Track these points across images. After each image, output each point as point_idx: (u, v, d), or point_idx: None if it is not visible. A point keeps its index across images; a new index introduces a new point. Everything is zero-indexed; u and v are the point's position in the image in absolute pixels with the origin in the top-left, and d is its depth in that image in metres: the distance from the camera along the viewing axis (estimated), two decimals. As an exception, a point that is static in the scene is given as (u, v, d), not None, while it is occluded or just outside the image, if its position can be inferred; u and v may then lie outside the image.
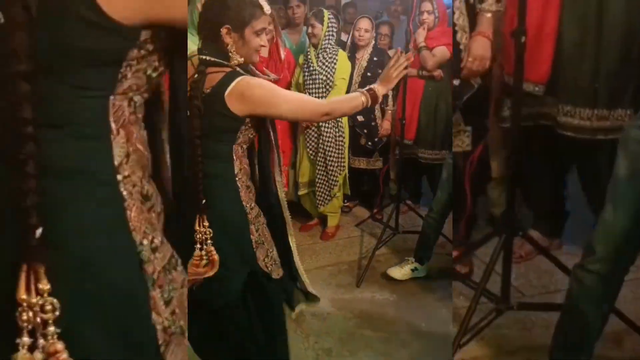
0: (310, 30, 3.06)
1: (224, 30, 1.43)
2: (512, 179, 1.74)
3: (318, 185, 3.23)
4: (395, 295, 2.56)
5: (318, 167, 3.21)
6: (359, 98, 1.53)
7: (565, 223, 2.49)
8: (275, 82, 1.55)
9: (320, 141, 3.15)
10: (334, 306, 2.51)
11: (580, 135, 1.92)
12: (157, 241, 0.83)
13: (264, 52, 1.69)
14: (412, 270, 2.67)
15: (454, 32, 2.04)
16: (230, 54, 1.45)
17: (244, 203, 1.51)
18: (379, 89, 1.56)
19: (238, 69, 1.47)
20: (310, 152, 3.24)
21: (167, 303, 0.83)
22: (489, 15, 1.97)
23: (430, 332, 2.25)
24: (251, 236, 1.53)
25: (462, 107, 2.10)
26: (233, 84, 1.41)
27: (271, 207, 1.67)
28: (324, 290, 2.64)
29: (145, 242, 0.80)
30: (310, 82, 3.09)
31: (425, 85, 3.23)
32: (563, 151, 2.20)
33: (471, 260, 2.31)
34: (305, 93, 3.12)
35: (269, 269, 1.58)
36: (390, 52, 3.38)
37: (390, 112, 3.33)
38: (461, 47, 2.03)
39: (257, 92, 1.41)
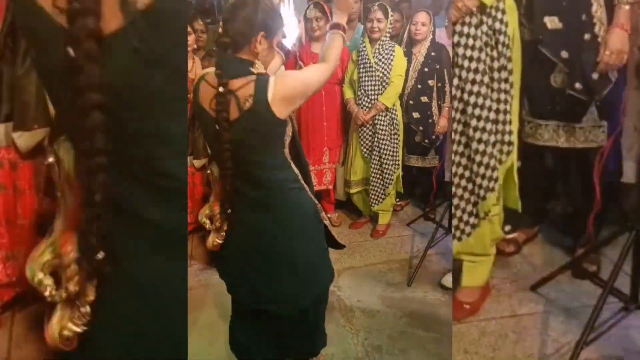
0: (374, 25, 3.01)
1: (259, 37, 1.37)
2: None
3: (372, 184, 3.21)
4: (448, 296, 2.50)
5: (373, 166, 3.19)
6: (338, 36, 1.60)
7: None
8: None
9: (375, 139, 3.13)
10: (384, 304, 2.49)
11: None
12: None
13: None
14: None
15: (592, 24, 1.98)
16: (257, 61, 1.40)
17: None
18: (339, 16, 1.64)
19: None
20: (365, 150, 3.22)
21: None
22: (627, 7, 1.92)
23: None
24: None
25: (599, 101, 2.05)
26: (270, 89, 1.35)
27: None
28: (373, 288, 2.63)
29: None
30: (366, 78, 3.07)
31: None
32: None
33: (599, 258, 2.25)
34: (360, 90, 3.11)
35: None
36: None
37: (447, 109, 3.26)
38: (599, 39, 1.98)
39: (290, 85, 1.39)
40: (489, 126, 1.89)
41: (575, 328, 1.92)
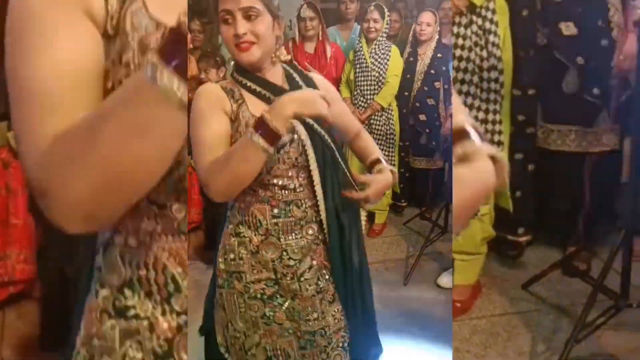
0: (371, 25, 3.01)
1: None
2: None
3: (369, 183, 3.19)
4: (444, 295, 2.51)
5: (369, 166, 3.18)
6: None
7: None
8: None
9: (371, 139, 3.13)
10: (380, 303, 2.44)
11: None
12: None
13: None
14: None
15: (609, 29, 1.96)
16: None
17: (244, 269, 1.15)
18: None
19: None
20: (361, 149, 3.22)
21: None
22: None
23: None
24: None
25: (615, 106, 2.04)
26: None
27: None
28: (369, 287, 2.63)
29: None
30: (362, 78, 3.08)
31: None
32: None
33: (590, 256, 2.25)
34: (356, 89, 3.12)
35: None
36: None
37: (454, 111, 3.24)
38: (616, 44, 1.97)
39: None
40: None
41: (566, 326, 1.93)
